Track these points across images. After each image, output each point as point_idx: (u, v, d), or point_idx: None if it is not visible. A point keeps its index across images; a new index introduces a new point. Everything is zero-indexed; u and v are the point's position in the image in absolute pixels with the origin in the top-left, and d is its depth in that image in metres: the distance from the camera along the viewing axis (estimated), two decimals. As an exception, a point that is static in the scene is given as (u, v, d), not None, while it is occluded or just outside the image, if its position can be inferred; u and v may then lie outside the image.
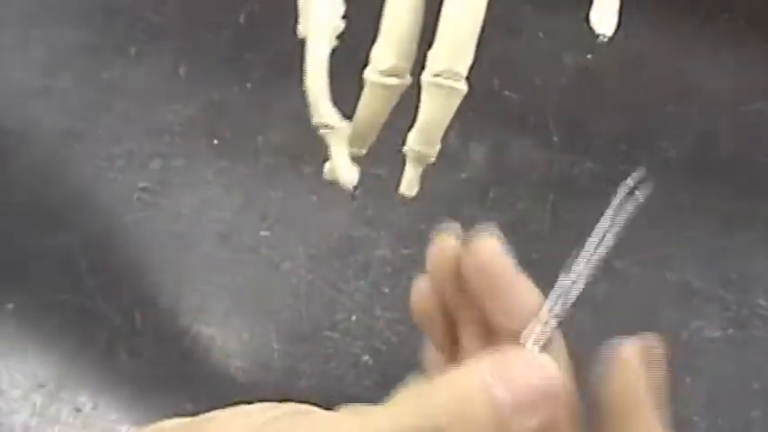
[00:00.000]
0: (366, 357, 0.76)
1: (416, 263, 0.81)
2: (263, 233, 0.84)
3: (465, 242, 0.38)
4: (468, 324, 0.40)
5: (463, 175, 0.87)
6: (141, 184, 0.88)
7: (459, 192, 0.86)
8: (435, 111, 0.46)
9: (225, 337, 0.78)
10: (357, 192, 0.50)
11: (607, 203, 0.84)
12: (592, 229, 0.83)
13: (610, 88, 0.95)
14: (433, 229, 0.84)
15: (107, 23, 1.03)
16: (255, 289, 0.80)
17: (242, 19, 1.03)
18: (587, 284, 0.79)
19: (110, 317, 0.79)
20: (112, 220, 0.85)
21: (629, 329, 0.78)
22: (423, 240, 0.84)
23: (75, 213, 0.86)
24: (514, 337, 0.37)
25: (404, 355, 0.76)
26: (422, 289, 0.41)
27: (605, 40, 0.45)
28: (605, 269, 0.81)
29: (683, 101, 0.94)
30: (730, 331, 0.77)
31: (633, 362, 0.37)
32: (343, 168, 0.49)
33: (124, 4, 1.06)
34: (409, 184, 0.50)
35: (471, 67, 0.45)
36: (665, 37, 1.00)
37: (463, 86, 0.45)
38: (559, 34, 0.96)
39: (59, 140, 0.92)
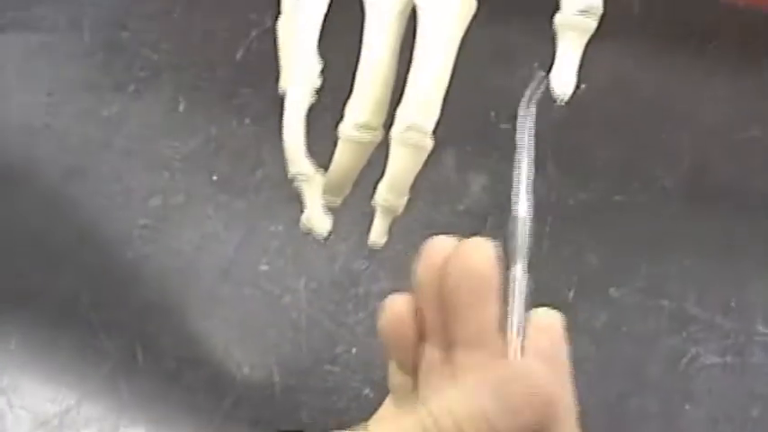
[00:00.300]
0: (367, 390, 0.76)
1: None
2: (263, 267, 0.84)
3: (458, 245, 0.39)
4: (435, 345, 0.41)
5: (461, 207, 0.88)
6: (142, 221, 0.88)
7: (457, 223, 0.87)
8: (402, 165, 0.47)
9: (226, 370, 0.78)
10: (330, 237, 0.51)
11: (603, 232, 0.85)
12: (588, 257, 0.84)
13: (604, 118, 0.95)
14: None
15: (106, 61, 1.04)
16: (256, 323, 0.81)
17: (239, 55, 1.04)
18: (586, 314, 0.80)
19: (112, 353, 0.79)
20: (114, 257, 0.86)
21: (628, 358, 0.79)
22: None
23: (76, 251, 0.87)
24: (473, 356, 0.38)
25: (404, 387, 0.76)
26: (397, 307, 0.42)
27: (564, 102, 0.46)
28: (603, 298, 0.82)
29: (676, 129, 0.95)
30: (729, 358, 0.78)
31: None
32: (315, 217, 0.51)
33: (123, 41, 1.06)
34: (378, 233, 0.51)
35: (438, 123, 0.46)
36: (658, 66, 1.01)
37: (429, 142, 0.46)
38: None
39: (60, 178, 0.93)
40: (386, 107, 0.48)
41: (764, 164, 0.92)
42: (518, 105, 0.97)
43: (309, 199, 0.51)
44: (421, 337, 0.41)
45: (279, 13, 0.52)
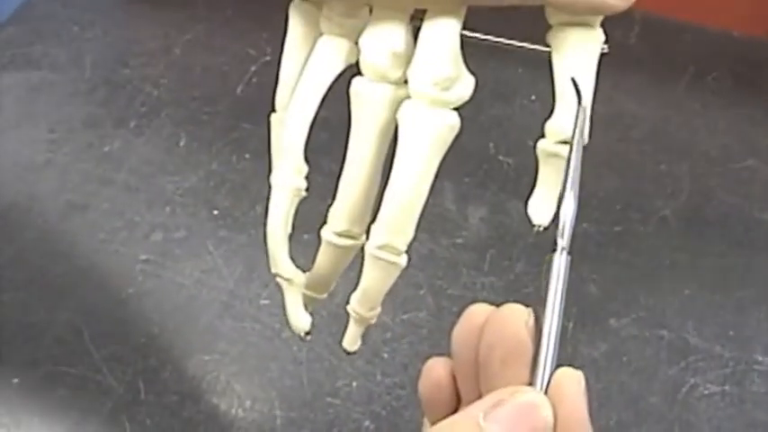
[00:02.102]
0: (367, 422, 0.76)
1: (416, 328, 0.82)
2: (263, 302, 0.84)
3: (494, 310, 0.39)
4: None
5: (460, 240, 0.88)
6: (143, 256, 0.89)
7: (456, 256, 0.87)
8: (374, 280, 0.47)
9: (228, 404, 0.78)
10: (309, 337, 0.52)
11: (602, 263, 0.85)
12: (588, 288, 0.84)
13: (602, 149, 0.96)
14: (431, 293, 0.85)
15: (107, 98, 1.05)
16: (257, 357, 0.81)
17: (239, 90, 1.04)
18: (586, 344, 0.80)
19: (114, 387, 0.80)
20: (115, 293, 0.86)
21: (628, 388, 0.79)
22: (422, 306, 0.85)
23: (78, 286, 0.87)
24: None
25: (405, 419, 0.76)
26: (436, 370, 0.42)
27: (541, 230, 0.46)
28: (603, 328, 0.82)
29: (674, 160, 0.95)
30: (728, 387, 0.78)
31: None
32: (295, 316, 0.51)
33: (124, 78, 1.07)
34: (351, 340, 0.51)
35: (417, 230, 0.46)
36: (655, 97, 1.02)
37: (402, 261, 0.46)
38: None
39: (62, 214, 0.93)
40: (368, 216, 0.48)
41: (762, 193, 0.92)
42: (516, 138, 0.98)
43: (289, 299, 0.51)
44: (458, 400, 0.42)
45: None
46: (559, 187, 0.41)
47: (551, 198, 0.45)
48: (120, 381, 0.80)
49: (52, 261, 0.90)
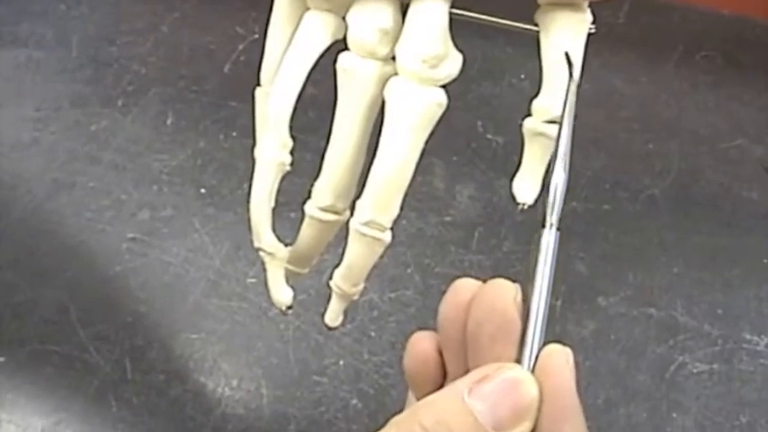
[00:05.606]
0: (355, 401, 0.76)
1: (403, 306, 0.82)
2: (250, 280, 0.84)
3: (482, 286, 0.39)
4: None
5: (449, 218, 0.88)
6: (130, 235, 0.88)
7: (444, 234, 0.87)
8: (358, 256, 0.47)
9: (214, 383, 0.78)
10: (290, 311, 0.51)
11: (591, 241, 0.85)
12: (576, 266, 0.84)
13: (591, 128, 0.96)
14: (419, 272, 0.85)
15: (94, 76, 1.05)
16: (244, 335, 0.81)
17: (226, 68, 1.04)
18: (574, 323, 0.80)
19: (101, 366, 0.79)
20: (102, 271, 0.86)
21: (616, 366, 0.79)
22: (409, 284, 0.85)
23: (64, 265, 0.86)
24: None
25: (392, 397, 0.76)
26: (422, 345, 0.42)
27: (526, 208, 0.46)
28: (591, 306, 0.82)
29: (663, 139, 0.95)
30: (716, 366, 0.78)
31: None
32: (277, 291, 0.51)
33: (111, 56, 1.07)
34: (333, 315, 0.51)
35: (402, 205, 0.45)
36: (644, 76, 1.02)
37: (387, 237, 0.46)
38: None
39: (49, 192, 0.93)
40: (352, 191, 0.48)
41: (751, 172, 0.92)
42: (504, 117, 0.98)
43: (271, 273, 0.51)
44: (444, 375, 0.42)
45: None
46: (545, 166, 0.41)
47: (536, 177, 0.45)
48: (107, 359, 0.80)
49: (39, 240, 0.89)
